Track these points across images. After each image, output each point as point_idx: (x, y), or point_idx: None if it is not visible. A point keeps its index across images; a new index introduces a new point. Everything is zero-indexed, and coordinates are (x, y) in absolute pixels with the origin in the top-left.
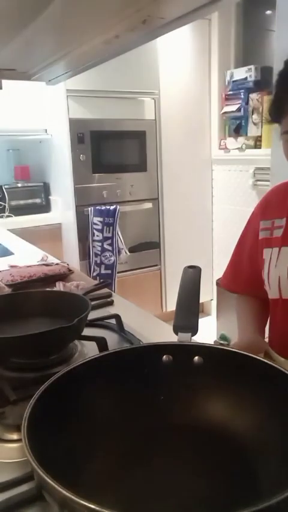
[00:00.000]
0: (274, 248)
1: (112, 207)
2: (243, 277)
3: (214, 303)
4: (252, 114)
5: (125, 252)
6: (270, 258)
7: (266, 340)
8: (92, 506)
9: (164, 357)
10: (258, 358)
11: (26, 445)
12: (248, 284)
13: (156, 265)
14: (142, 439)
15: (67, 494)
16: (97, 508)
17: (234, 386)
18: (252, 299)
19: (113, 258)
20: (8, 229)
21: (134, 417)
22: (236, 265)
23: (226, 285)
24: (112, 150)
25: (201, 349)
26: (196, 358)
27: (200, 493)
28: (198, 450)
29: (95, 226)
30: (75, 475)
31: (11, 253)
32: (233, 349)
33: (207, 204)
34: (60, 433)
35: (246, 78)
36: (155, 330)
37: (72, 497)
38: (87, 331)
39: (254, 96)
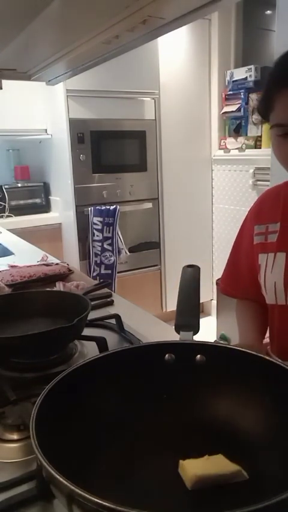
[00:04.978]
0: (269, 253)
1: (112, 207)
2: (243, 282)
3: (214, 303)
4: (252, 114)
5: (125, 252)
6: (266, 264)
7: (267, 339)
8: (99, 501)
9: (167, 355)
10: (260, 355)
11: (34, 442)
12: (248, 289)
13: (156, 265)
14: (145, 437)
15: (75, 488)
16: (104, 503)
17: (236, 385)
18: (252, 303)
19: (113, 258)
20: (8, 229)
21: (138, 416)
22: (233, 270)
23: (226, 290)
24: (112, 150)
25: (204, 347)
26: (198, 356)
27: (201, 491)
28: (200, 448)
29: (95, 226)
30: (81, 473)
31: (11, 253)
32: (235, 347)
33: (207, 204)
34: (66, 431)
35: (246, 78)
36: (155, 330)
37: (79, 491)
38: (87, 331)
39: (254, 96)
